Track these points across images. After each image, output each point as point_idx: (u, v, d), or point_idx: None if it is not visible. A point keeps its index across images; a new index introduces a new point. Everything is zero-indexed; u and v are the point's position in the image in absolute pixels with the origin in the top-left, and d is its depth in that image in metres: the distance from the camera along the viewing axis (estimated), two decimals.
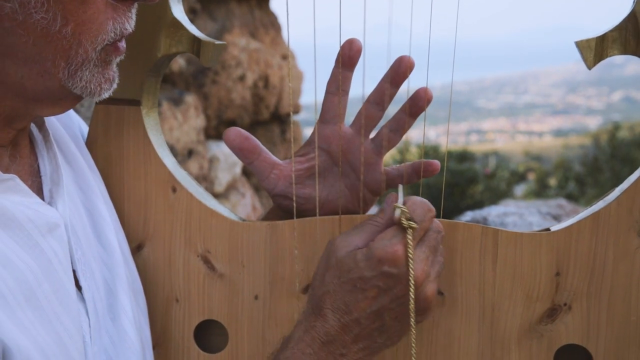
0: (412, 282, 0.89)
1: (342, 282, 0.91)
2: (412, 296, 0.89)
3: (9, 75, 0.83)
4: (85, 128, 1.14)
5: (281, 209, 1.11)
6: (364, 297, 0.90)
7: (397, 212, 0.90)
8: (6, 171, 0.88)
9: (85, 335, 0.92)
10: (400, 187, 0.98)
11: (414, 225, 0.90)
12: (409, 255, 0.89)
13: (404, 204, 0.92)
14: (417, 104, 1.05)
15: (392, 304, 0.91)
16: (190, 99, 3.61)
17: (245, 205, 4.20)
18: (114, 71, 0.89)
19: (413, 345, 0.91)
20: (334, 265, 0.92)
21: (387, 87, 1.05)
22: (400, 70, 1.03)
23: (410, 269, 0.88)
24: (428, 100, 1.05)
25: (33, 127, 0.98)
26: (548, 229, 1.01)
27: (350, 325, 0.91)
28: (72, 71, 0.84)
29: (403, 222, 0.90)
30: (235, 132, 1.08)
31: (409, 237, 0.89)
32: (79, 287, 0.93)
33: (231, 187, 4.13)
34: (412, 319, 0.90)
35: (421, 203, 0.92)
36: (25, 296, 0.83)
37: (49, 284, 0.86)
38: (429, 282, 0.92)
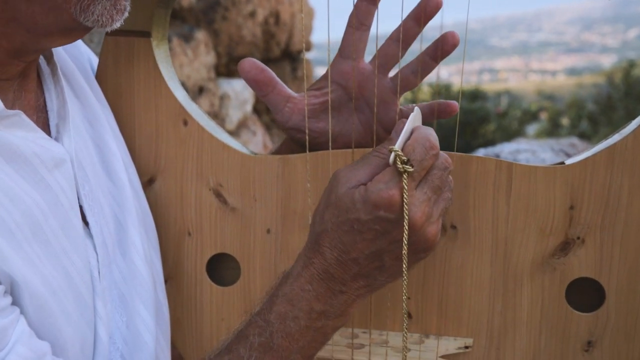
0: (407, 228, 0.85)
1: (339, 221, 0.89)
2: (405, 242, 0.86)
3: (20, 11, 0.81)
4: (94, 60, 1.13)
5: (294, 141, 1.10)
6: (361, 239, 0.88)
7: (392, 157, 0.86)
8: (12, 106, 0.88)
9: (93, 271, 0.92)
10: (414, 113, 0.93)
11: (410, 169, 0.85)
12: (404, 200, 0.85)
13: (408, 139, 0.89)
14: (443, 47, 1.02)
15: (391, 246, 0.89)
16: (200, 35, 3.58)
17: (256, 143, 4.19)
18: (125, 1, 0.88)
19: (405, 292, 0.89)
20: (333, 203, 0.90)
21: (411, 26, 1.02)
22: (427, 9, 1.00)
23: (405, 215, 0.85)
24: (454, 45, 1.02)
25: (41, 60, 0.97)
26: (562, 163, 1.00)
27: (349, 264, 0.90)
28: (85, 6, 0.83)
29: (398, 166, 0.85)
30: (251, 63, 1.06)
31: (405, 181, 0.85)
32: (86, 223, 0.93)
33: (242, 125, 4.13)
34: (404, 265, 0.88)
35: (423, 140, 0.87)
36: (32, 231, 0.83)
37: (56, 219, 0.86)
38: (430, 224, 0.88)
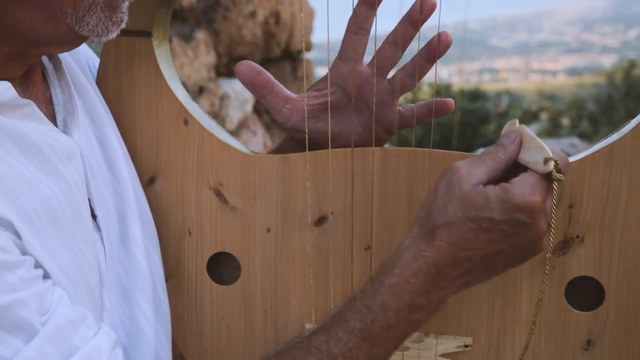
0: (552, 235, 0.89)
1: (466, 217, 0.88)
2: (551, 250, 0.90)
3: (19, 20, 0.82)
4: (93, 58, 1.14)
5: (294, 141, 1.10)
6: (485, 238, 0.88)
7: (551, 165, 0.87)
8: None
9: (101, 264, 0.93)
10: (517, 123, 0.95)
11: (563, 178, 0.88)
12: (553, 207, 0.88)
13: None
14: (435, 48, 1.02)
15: (510, 249, 0.89)
16: (201, 35, 3.58)
17: (256, 143, 4.20)
18: (122, 12, 0.89)
19: (541, 296, 0.96)
20: (458, 198, 0.89)
21: (406, 28, 1.02)
22: (422, 10, 1.00)
23: (552, 222, 0.88)
24: (447, 45, 1.02)
25: (44, 57, 0.97)
26: None
27: (462, 261, 0.89)
28: (80, 17, 0.84)
29: (554, 174, 0.87)
30: (247, 66, 1.06)
31: (555, 190, 0.88)
32: (93, 216, 0.94)
33: (242, 125, 4.13)
34: (545, 276, 0.93)
35: (562, 156, 0.90)
36: (50, 220, 0.83)
37: (70, 210, 0.87)
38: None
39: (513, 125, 0.94)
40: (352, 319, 0.91)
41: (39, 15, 0.82)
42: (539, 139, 0.90)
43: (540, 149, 0.89)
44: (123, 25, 0.89)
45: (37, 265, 0.81)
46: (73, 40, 0.88)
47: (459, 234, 0.88)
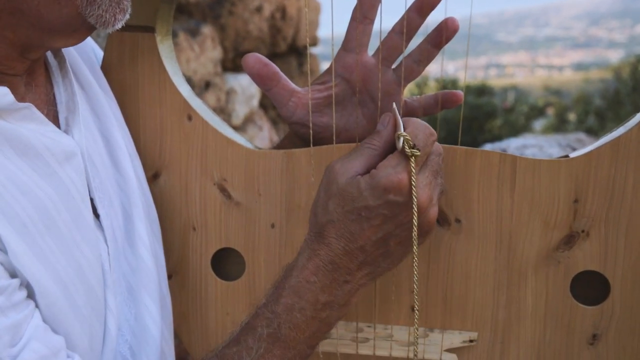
0: (416, 209, 0.89)
1: (346, 211, 0.91)
2: (416, 224, 0.89)
3: (25, 2, 0.81)
4: (99, 51, 1.13)
5: (298, 136, 1.10)
6: (369, 226, 0.90)
7: (400, 142, 0.89)
8: (22, 100, 0.88)
9: (104, 264, 0.92)
10: (394, 106, 0.96)
11: (417, 153, 0.88)
12: (412, 183, 0.88)
13: (405, 128, 0.91)
14: (442, 34, 1.02)
15: (397, 230, 0.91)
16: (207, 30, 3.58)
17: (262, 138, 4.20)
18: (127, 0, 0.89)
19: (415, 272, 0.92)
20: (336, 194, 0.92)
21: (413, 17, 1.02)
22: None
23: (414, 197, 0.88)
24: (454, 30, 1.02)
25: (48, 54, 0.97)
26: (567, 156, 1.00)
27: (355, 252, 0.92)
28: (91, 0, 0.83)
29: (406, 150, 0.88)
30: (255, 58, 1.06)
31: (412, 164, 0.88)
32: (96, 215, 0.94)
33: (248, 119, 4.13)
34: (415, 247, 0.91)
35: (423, 127, 0.91)
36: (45, 225, 0.83)
37: (68, 213, 0.86)
38: (432, 206, 0.92)
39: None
40: (260, 325, 0.93)
41: None
42: (399, 118, 0.92)
43: (399, 127, 0.91)
44: (127, 16, 0.89)
45: (22, 284, 0.80)
46: (79, 29, 0.87)
47: (343, 228, 0.91)
